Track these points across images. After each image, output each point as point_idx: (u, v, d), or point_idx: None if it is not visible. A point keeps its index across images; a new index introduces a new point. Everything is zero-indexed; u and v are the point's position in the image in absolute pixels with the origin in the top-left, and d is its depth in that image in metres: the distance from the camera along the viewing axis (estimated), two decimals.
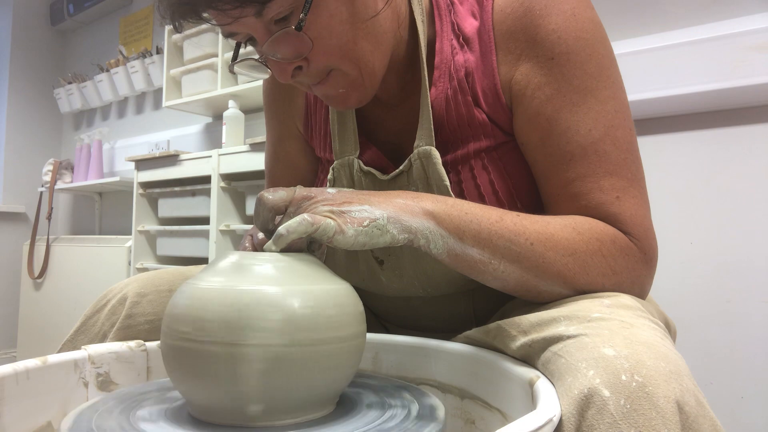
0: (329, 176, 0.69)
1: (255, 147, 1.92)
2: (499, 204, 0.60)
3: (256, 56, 0.58)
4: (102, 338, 0.65)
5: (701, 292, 1.35)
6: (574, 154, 0.56)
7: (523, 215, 0.53)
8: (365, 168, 0.66)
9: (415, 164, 0.62)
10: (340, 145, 0.68)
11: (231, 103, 2.18)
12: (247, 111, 2.28)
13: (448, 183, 0.60)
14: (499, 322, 0.51)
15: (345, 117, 0.69)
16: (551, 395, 0.39)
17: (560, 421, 0.37)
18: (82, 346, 0.56)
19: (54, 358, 0.52)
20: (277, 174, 0.81)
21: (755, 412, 1.27)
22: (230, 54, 2.15)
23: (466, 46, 0.62)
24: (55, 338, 2.76)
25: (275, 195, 0.48)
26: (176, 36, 2.40)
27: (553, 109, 0.56)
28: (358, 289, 0.76)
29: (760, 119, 1.31)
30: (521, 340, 0.47)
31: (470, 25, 0.62)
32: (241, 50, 0.60)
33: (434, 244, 0.49)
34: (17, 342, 3.13)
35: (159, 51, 2.74)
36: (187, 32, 2.34)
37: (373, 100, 0.65)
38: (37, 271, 2.99)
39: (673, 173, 1.40)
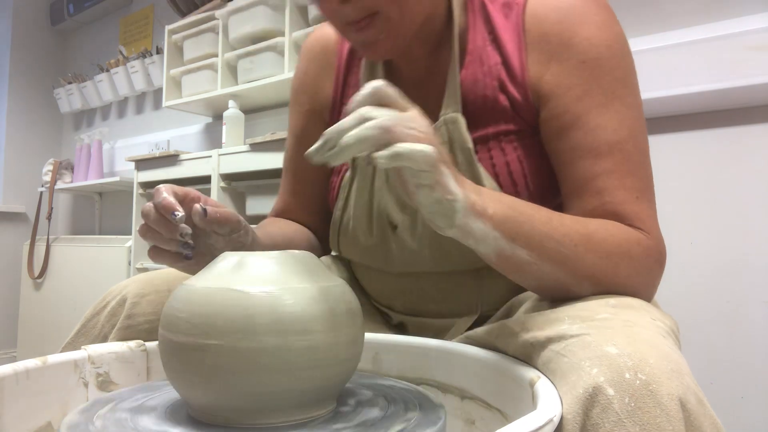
0: None
1: (255, 147, 1.92)
2: (513, 184, 0.63)
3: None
4: (102, 339, 0.65)
5: (701, 292, 1.35)
6: (601, 151, 0.58)
7: (564, 215, 0.54)
8: None
9: (440, 130, 0.64)
10: None
11: (231, 103, 2.18)
12: (247, 111, 2.28)
13: (471, 146, 0.63)
14: (503, 321, 0.51)
15: None
16: (552, 395, 0.39)
17: (564, 419, 0.37)
18: (82, 346, 0.56)
19: (54, 358, 0.52)
20: (303, 162, 0.81)
21: (755, 412, 1.27)
22: (230, 54, 2.15)
23: (496, 42, 0.65)
24: (55, 338, 2.76)
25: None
26: (176, 36, 2.40)
27: (582, 108, 0.59)
28: (365, 273, 0.76)
29: (760, 119, 1.31)
30: (522, 338, 0.47)
31: (501, 23, 0.65)
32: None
33: (484, 245, 0.49)
34: (17, 342, 3.13)
35: (159, 51, 2.74)
36: (187, 32, 2.35)
37: (399, 77, 0.69)
38: (37, 271, 2.99)
39: (673, 173, 1.40)
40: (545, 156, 0.64)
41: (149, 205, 0.54)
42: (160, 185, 0.56)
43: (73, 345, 0.66)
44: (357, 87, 0.74)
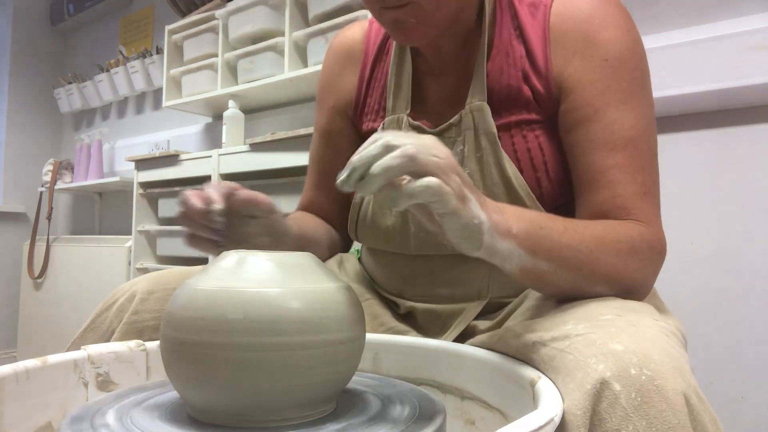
0: (378, 128, 0.74)
1: (255, 147, 1.92)
2: (533, 169, 0.65)
3: None
4: (110, 335, 0.66)
5: (701, 291, 1.35)
6: (617, 144, 0.61)
7: (575, 222, 0.56)
8: (414, 122, 0.71)
9: (466, 118, 0.67)
10: (394, 101, 0.74)
11: (231, 103, 2.18)
12: (247, 111, 2.27)
13: (495, 131, 0.65)
14: (505, 326, 0.52)
15: (401, 78, 0.74)
16: (553, 395, 0.39)
17: (573, 414, 0.38)
18: (82, 346, 0.56)
19: (54, 358, 0.52)
20: (326, 157, 0.84)
21: (755, 412, 1.27)
22: (230, 54, 2.15)
23: (522, 38, 0.68)
24: (55, 338, 2.76)
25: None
26: (176, 36, 2.40)
27: (602, 103, 0.62)
28: (379, 252, 0.77)
29: (760, 119, 1.31)
30: (525, 338, 0.48)
31: (528, 21, 0.68)
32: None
33: (509, 263, 0.50)
34: (17, 342, 3.13)
35: (159, 51, 2.74)
36: (187, 32, 2.34)
37: (427, 67, 0.73)
38: (37, 271, 2.98)
39: (673, 173, 1.40)
40: (558, 143, 0.66)
41: (189, 192, 0.56)
42: (210, 183, 0.58)
43: (81, 341, 0.67)
44: (384, 80, 0.77)
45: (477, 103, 0.67)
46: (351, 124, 0.82)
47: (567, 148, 0.65)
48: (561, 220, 0.55)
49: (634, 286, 0.56)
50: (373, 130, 0.77)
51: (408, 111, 0.72)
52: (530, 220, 0.52)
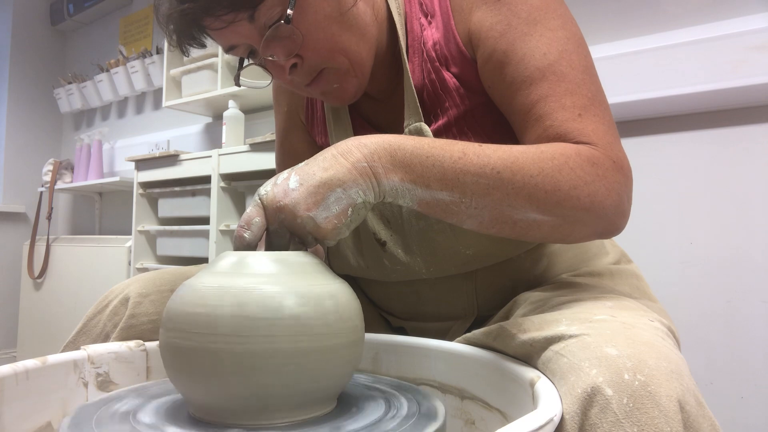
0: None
1: (255, 147, 1.92)
2: None
3: (257, 67, 0.63)
4: (104, 338, 0.65)
5: (701, 292, 1.35)
6: (534, 78, 0.58)
7: (485, 145, 0.52)
8: None
9: None
10: (336, 138, 0.72)
11: (231, 103, 2.18)
12: (247, 111, 2.27)
13: None
14: (501, 323, 0.51)
15: (339, 113, 0.72)
16: (552, 395, 0.39)
17: (563, 419, 0.37)
18: (82, 346, 0.56)
19: (53, 358, 0.52)
20: (286, 166, 0.82)
21: (755, 412, 1.27)
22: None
23: (432, 21, 0.66)
24: (55, 338, 2.76)
25: (252, 234, 0.48)
26: None
27: (507, 43, 0.59)
28: (363, 279, 0.76)
29: (760, 119, 1.31)
30: (521, 339, 0.47)
31: (432, 1, 0.66)
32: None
33: (402, 199, 0.50)
34: (17, 342, 3.13)
35: (159, 51, 2.74)
36: None
37: (365, 97, 0.69)
38: (37, 271, 2.98)
39: (673, 173, 1.40)
40: (505, 121, 0.63)
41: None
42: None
43: (74, 344, 0.67)
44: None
45: (414, 125, 0.64)
46: (305, 129, 0.80)
47: (496, 102, 0.62)
48: (460, 145, 0.51)
49: (580, 207, 0.51)
50: (326, 144, 0.76)
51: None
52: (412, 152, 0.50)
